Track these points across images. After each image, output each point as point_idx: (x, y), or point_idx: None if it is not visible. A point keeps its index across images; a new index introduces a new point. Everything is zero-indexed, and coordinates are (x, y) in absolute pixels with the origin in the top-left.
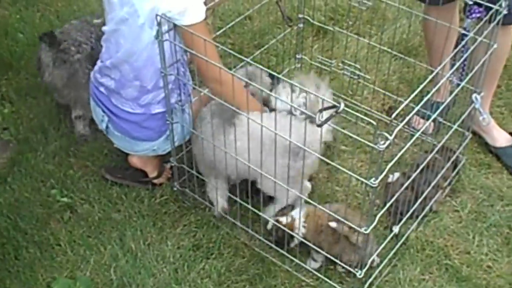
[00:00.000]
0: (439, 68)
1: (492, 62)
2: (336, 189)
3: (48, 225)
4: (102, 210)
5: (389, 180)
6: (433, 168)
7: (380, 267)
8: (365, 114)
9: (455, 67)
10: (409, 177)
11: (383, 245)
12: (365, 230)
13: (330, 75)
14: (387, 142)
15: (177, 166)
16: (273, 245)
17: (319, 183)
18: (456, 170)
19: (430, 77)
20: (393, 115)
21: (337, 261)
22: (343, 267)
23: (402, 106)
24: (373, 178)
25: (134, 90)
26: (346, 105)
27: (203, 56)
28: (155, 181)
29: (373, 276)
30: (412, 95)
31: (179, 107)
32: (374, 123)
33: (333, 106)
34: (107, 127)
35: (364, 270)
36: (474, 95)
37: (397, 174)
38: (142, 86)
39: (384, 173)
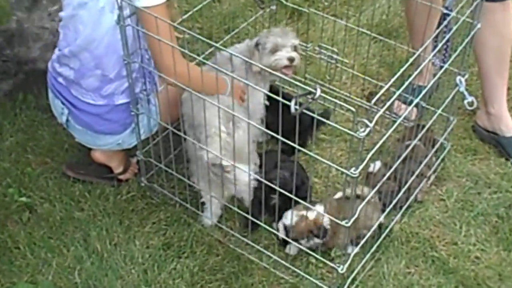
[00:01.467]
0: (420, 50)
1: (499, 44)
2: (314, 180)
3: (6, 227)
4: (64, 210)
5: (370, 169)
6: (416, 156)
7: (363, 262)
8: (344, 101)
9: (437, 49)
10: (391, 167)
11: (365, 238)
12: (346, 223)
13: (306, 60)
14: (367, 129)
15: (144, 160)
16: (249, 242)
17: None
18: (441, 157)
19: (412, 59)
20: (373, 101)
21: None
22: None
23: (382, 91)
24: (353, 168)
25: (96, 80)
26: (323, 91)
27: (161, 41)
28: (121, 177)
29: (356, 271)
30: (393, 79)
31: (144, 97)
32: (353, 109)
33: (309, 93)
34: (67, 120)
35: (346, 265)
36: (458, 78)
37: (378, 163)
38: (104, 76)
39: (365, 162)
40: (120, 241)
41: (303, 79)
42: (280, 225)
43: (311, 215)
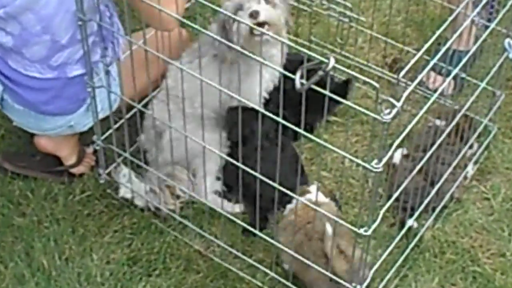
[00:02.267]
0: (462, 5)
1: None
2: (323, 175)
3: None
4: (0, 214)
5: (394, 160)
6: (451, 144)
7: (386, 279)
8: (361, 71)
9: (481, 4)
10: (418, 159)
11: (389, 249)
12: (366, 231)
13: (311, 18)
14: (394, 111)
15: (103, 148)
16: (238, 254)
17: None
18: (485, 144)
19: (451, 18)
20: (402, 73)
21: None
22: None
23: (414, 59)
24: (375, 160)
25: (43, 47)
26: (335, 59)
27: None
28: (74, 170)
29: None
30: (427, 45)
31: (103, 67)
32: (376, 84)
33: (320, 63)
34: (2, 99)
35: (364, 286)
36: (507, 41)
37: (398, 153)
38: (54, 41)
39: (390, 153)
40: (73, 254)
41: (307, 44)
42: None
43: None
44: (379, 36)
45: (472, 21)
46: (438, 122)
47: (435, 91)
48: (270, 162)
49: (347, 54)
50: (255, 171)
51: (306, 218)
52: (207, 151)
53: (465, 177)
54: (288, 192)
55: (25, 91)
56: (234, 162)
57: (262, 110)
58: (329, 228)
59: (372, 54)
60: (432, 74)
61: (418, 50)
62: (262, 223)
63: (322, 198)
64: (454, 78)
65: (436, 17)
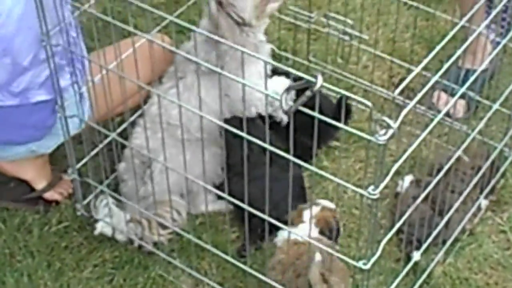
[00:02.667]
0: (465, 18)
1: None
2: None
3: None
4: None
5: (399, 189)
6: (463, 171)
7: None
8: (365, 92)
9: (489, 17)
10: (426, 185)
11: (393, 286)
12: (364, 264)
13: (309, 35)
14: (390, 132)
15: (79, 180)
16: None
17: None
18: (500, 171)
19: (454, 31)
20: (398, 90)
21: None
22: None
23: (412, 75)
24: (372, 187)
25: (4, 71)
26: (333, 79)
27: None
28: (47, 195)
29: None
30: (428, 58)
31: (75, 91)
32: (369, 103)
33: (306, 82)
34: None
35: None
36: None
37: (408, 179)
38: (15, 64)
39: (389, 177)
40: None
41: (306, 62)
42: None
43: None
44: (383, 55)
45: (491, 40)
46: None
47: (447, 113)
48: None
49: (348, 75)
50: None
51: (295, 254)
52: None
53: (479, 208)
54: (278, 223)
55: None
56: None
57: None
58: (318, 256)
59: (378, 73)
60: (444, 95)
61: (427, 69)
62: (256, 244)
63: (313, 232)
64: (465, 97)
65: (447, 33)
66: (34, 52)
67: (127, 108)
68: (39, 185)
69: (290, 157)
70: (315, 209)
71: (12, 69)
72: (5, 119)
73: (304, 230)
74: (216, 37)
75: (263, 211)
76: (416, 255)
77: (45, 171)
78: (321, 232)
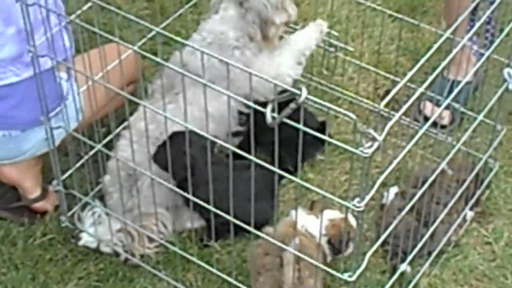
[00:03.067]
0: (450, 30)
1: None
2: None
3: None
4: None
5: (384, 200)
6: (448, 183)
7: None
8: (350, 104)
9: (473, 29)
10: (411, 197)
11: None
12: (350, 276)
13: None
14: (375, 144)
15: (64, 192)
16: None
17: (284, 207)
18: (485, 183)
19: (439, 42)
20: (384, 102)
21: None
22: None
23: (398, 86)
24: (357, 199)
25: (12, 43)
26: (319, 91)
27: None
28: (38, 205)
29: None
30: (413, 70)
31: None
32: (353, 116)
33: (290, 94)
34: None
35: None
36: (506, 70)
37: (393, 190)
38: (20, 32)
39: (374, 189)
40: None
41: None
42: None
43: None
44: (368, 66)
45: (474, 51)
46: (447, 169)
47: (433, 124)
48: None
49: (333, 87)
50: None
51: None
52: None
53: (464, 219)
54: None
55: (4, 106)
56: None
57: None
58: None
59: (363, 85)
60: (429, 105)
61: (412, 81)
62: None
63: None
64: (453, 111)
65: (432, 45)
66: (33, 13)
67: (113, 118)
68: (34, 194)
69: (275, 169)
70: (330, 214)
71: (19, 38)
72: (26, 94)
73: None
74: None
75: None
76: (403, 266)
77: (40, 180)
78: (329, 242)
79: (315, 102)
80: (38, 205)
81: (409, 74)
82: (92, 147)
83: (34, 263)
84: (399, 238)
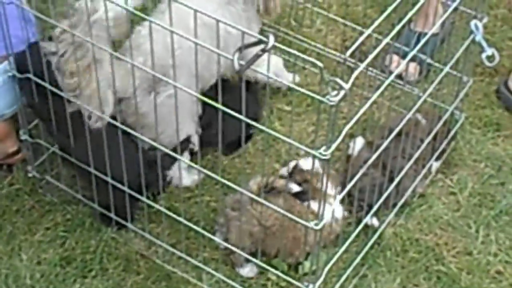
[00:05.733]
0: None
1: None
2: (275, 167)
3: None
4: None
5: (350, 151)
6: (414, 134)
7: (343, 279)
8: (317, 55)
9: None
10: (376, 148)
11: (344, 246)
12: (316, 225)
13: None
14: (342, 93)
15: (30, 142)
16: (182, 255)
17: (252, 157)
18: (451, 134)
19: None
20: (349, 52)
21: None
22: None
23: (364, 35)
24: (324, 147)
25: None
26: (287, 42)
27: None
28: (15, 159)
29: None
30: (379, 20)
31: None
32: (320, 64)
33: (259, 42)
34: None
35: (317, 284)
36: (473, 22)
37: (360, 141)
38: None
39: (340, 138)
40: (0, 254)
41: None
42: None
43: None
44: (336, 18)
45: (441, 3)
46: (421, 119)
47: (399, 76)
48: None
49: (302, 38)
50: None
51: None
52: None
53: (429, 171)
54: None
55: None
56: None
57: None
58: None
59: (331, 37)
60: (396, 57)
61: (380, 33)
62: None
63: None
64: (419, 62)
65: None
66: None
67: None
68: (14, 147)
69: (242, 117)
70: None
71: None
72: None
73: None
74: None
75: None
76: (369, 219)
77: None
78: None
79: (283, 50)
80: (16, 158)
81: (375, 23)
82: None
83: (1, 213)
84: (364, 192)
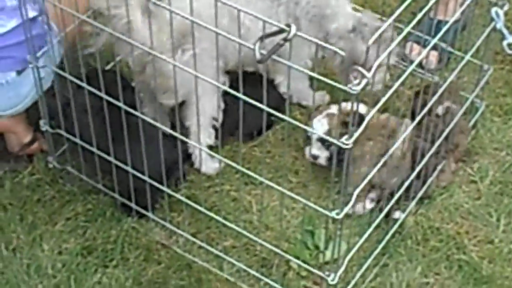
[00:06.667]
0: None
1: None
2: (295, 155)
3: None
4: None
5: None
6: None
7: (364, 268)
8: None
9: None
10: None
11: (366, 235)
12: (337, 214)
13: None
14: (364, 81)
15: (50, 132)
16: (203, 244)
17: (272, 146)
18: (472, 122)
19: None
20: (371, 41)
21: None
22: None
23: (385, 25)
24: (346, 136)
25: None
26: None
27: None
28: (32, 147)
29: (353, 282)
30: (400, 9)
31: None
32: (341, 52)
33: (280, 31)
34: None
35: (339, 274)
36: (494, 10)
37: None
38: None
39: (361, 128)
40: (21, 244)
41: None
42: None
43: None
44: (355, 6)
45: None
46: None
47: (419, 64)
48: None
49: None
50: None
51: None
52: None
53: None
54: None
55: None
56: None
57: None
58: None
59: None
60: (416, 47)
61: (400, 21)
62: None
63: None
64: (437, 49)
65: None
66: None
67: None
68: (27, 137)
69: (263, 106)
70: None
71: None
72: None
73: None
74: None
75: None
76: (396, 215)
77: (27, 124)
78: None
79: (304, 38)
80: (33, 148)
81: (396, 13)
82: (79, 87)
83: (22, 204)
84: (385, 181)
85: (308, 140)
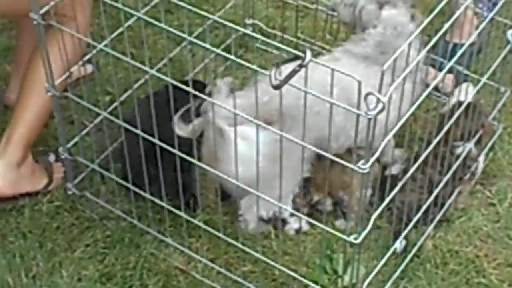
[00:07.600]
0: None
1: None
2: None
3: None
4: None
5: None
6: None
7: None
8: None
9: None
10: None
11: (384, 260)
12: (355, 238)
13: (297, 12)
14: (379, 105)
15: (69, 159)
16: (221, 270)
17: None
18: (490, 144)
19: (441, 4)
20: (386, 65)
21: None
22: None
23: (400, 49)
24: (362, 161)
25: None
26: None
27: None
28: (51, 187)
29: None
30: (415, 33)
31: None
32: (357, 77)
33: (296, 58)
34: None
35: None
36: (510, 32)
37: (397, 153)
38: None
39: (378, 151)
40: (41, 271)
41: (294, 39)
42: None
43: None
44: None
45: (475, 13)
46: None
47: (435, 88)
48: None
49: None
50: None
51: None
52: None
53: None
54: None
55: None
56: None
57: None
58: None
59: None
60: (432, 70)
61: None
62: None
63: None
64: (456, 74)
65: (434, 7)
66: None
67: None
68: (42, 183)
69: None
70: None
71: None
72: None
73: None
74: None
75: None
76: (397, 243)
77: (39, 167)
78: None
79: (320, 64)
80: (50, 188)
81: (412, 37)
82: (98, 115)
83: (42, 231)
84: (403, 205)
85: None
